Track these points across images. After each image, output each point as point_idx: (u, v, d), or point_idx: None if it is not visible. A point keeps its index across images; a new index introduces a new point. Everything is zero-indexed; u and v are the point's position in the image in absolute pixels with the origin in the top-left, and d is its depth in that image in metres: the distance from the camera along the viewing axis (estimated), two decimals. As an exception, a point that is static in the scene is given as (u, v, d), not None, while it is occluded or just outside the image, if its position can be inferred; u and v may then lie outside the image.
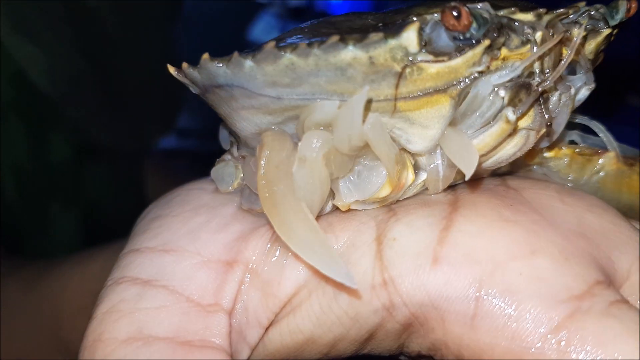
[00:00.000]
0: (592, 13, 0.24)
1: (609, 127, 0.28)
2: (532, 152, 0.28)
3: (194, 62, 0.24)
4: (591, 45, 0.25)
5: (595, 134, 0.29)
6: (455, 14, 0.20)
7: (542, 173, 0.29)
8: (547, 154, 0.28)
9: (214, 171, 0.28)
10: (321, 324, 0.24)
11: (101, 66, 0.69)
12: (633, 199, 0.27)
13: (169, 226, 0.26)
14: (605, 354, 0.20)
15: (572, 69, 0.25)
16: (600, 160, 0.28)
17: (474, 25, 0.21)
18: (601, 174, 0.28)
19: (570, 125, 0.29)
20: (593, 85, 0.26)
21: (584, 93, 0.26)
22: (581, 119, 0.28)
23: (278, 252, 0.24)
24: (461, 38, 0.21)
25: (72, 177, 0.68)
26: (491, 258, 0.22)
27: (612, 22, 0.25)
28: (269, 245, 0.24)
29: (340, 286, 0.23)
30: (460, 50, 0.21)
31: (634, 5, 0.25)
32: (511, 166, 0.28)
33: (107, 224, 0.71)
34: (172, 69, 0.25)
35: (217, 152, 0.29)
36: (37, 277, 0.50)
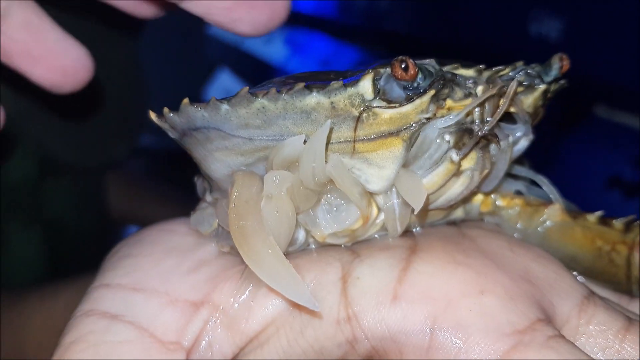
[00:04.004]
0: (528, 71, 0.30)
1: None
2: (487, 201, 0.33)
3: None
4: (529, 100, 0.30)
5: (540, 186, 0.33)
6: (403, 65, 0.26)
7: (495, 223, 0.33)
8: (500, 203, 0.33)
9: (193, 218, 0.32)
10: (287, 358, 0.27)
11: None
12: (576, 250, 0.32)
13: (140, 266, 0.30)
14: None
15: (514, 122, 0.31)
16: (547, 211, 0.32)
17: (420, 75, 0.26)
18: (547, 223, 0.32)
19: (517, 177, 0.34)
20: (531, 137, 0.31)
21: (523, 143, 0.31)
22: (527, 173, 0.33)
23: (247, 292, 0.28)
24: (410, 87, 0.26)
25: (33, 195, 0.71)
26: (445, 296, 0.26)
27: (547, 79, 0.30)
28: (238, 285, 0.28)
29: (306, 321, 0.27)
30: (409, 99, 0.27)
31: (565, 62, 0.30)
32: (466, 215, 0.33)
33: (70, 242, 0.75)
34: (153, 115, 0.29)
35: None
36: (0, 311, 0.52)
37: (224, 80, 1.83)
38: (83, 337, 0.27)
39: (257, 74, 1.60)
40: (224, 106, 0.27)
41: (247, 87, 0.27)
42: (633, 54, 0.74)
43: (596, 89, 0.83)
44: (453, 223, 0.33)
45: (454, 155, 0.27)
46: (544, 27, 0.85)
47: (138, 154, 0.99)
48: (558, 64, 0.30)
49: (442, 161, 0.28)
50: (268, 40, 1.55)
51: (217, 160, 0.29)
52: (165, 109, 0.29)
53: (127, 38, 0.86)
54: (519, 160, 0.34)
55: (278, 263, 0.26)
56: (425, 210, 0.30)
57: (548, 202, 0.33)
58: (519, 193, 0.34)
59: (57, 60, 0.39)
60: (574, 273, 0.32)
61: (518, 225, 0.33)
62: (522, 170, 0.33)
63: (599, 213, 0.32)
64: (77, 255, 0.77)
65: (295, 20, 1.48)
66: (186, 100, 0.28)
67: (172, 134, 0.30)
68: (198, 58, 1.90)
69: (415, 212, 0.27)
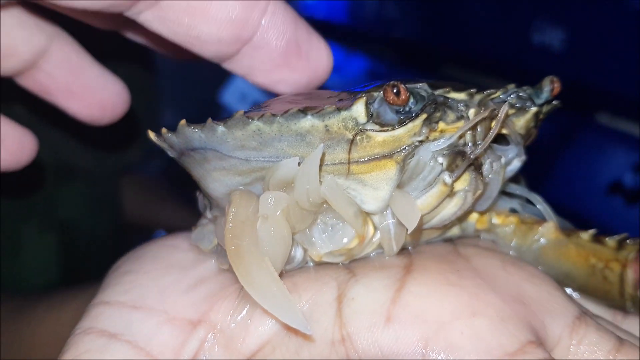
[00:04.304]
0: (519, 94, 0.30)
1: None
2: (482, 219, 0.33)
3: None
4: (520, 122, 0.30)
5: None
6: (394, 90, 0.26)
7: (490, 239, 0.33)
8: (495, 221, 0.33)
9: (194, 235, 0.32)
10: None
11: None
12: (570, 267, 0.32)
13: (140, 283, 0.30)
14: None
15: (507, 143, 0.31)
16: (541, 229, 0.32)
17: (412, 100, 0.26)
18: (542, 241, 0.32)
19: (512, 195, 0.34)
20: (524, 157, 0.31)
21: (515, 164, 0.31)
22: (521, 191, 0.33)
23: (244, 311, 0.28)
24: (402, 111, 0.27)
25: (48, 200, 0.72)
26: (437, 318, 0.26)
27: (538, 101, 0.30)
28: (235, 304, 0.28)
29: (302, 342, 0.27)
30: (402, 122, 0.27)
31: (556, 85, 0.30)
32: (462, 232, 0.33)
33: (85, 246, 0.76)
34: (152, 135, 0.30)
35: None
36: (9, 318, 0.52)
37: (239, 84, 1.83)
38: (80, 355, 0.27)
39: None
40: (220, 128, 0.27)
41: (243, 110, 0.27)
42: (634, 62, 0.74)
43: (598, 97, 0.83)
44: (450, 240, 0.33)
45: (447, 178, 0.27)
46: (547, 37, 0.85)
47: (153, 156, 1.00)
48: (549, 87, 0.30)
49: (435, 183, 0.28)
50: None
51: (215, 180, 0.29)
52: (164, 130, 0.29)
53: (141, 50, 0.87)
54: (515, 178, 0.34)
55: (272, 285, 0.26)
56: (420, 229, 0.30)
57: (542, 220, 0.33)
58: (514, 211, 0.34)
59: (96, 95, 0.39)
60: (568, 290, 0.32)
61: (513, 243, 0.33)
62: (517, 189, 0.33)
63: (592, 231, 0.32)
64: (91, 259, 0.78)
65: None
66: (183, 121, 0.28)
67: (171, 153, 0.30)
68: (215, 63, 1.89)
69: (409, 232, 0.27)
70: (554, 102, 0.31)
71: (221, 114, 1.84)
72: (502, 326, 0.26)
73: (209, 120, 0.27)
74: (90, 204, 0.80)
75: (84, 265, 0.76)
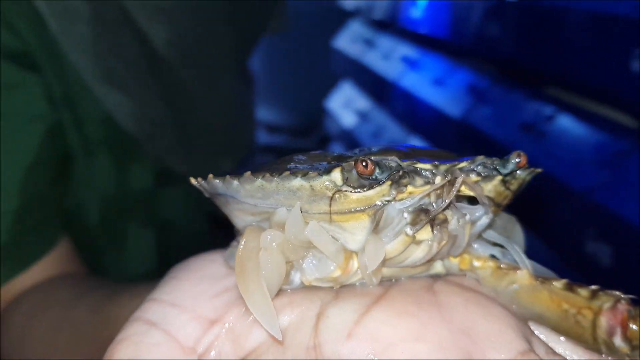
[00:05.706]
0: (486, 165, 0.35)
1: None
2: (465, 260, 0.38)
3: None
4: (488, 187, 0.35)
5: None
6: (363, 164, 0.32)
7: (474, 277, 0.38)
8: (476, 264, 0.38)
9: (226, 253, 0.40)
10: None
11: (179, 111, 0.84)
12: (543, 310, 0.35)
13: (180, 287, 0.38)
14: None
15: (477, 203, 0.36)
16: (515, 276, 0.36)
17: (378, 171, 0.33)
18: (515, 286, 0.36)
19: (493, 243, 0.38)
20: (491, 216, 0.36)
21: (484, 220, 0.36)
22: (500, 240, 0.38)
23: (250, 317, 0.35)
24: (370, 179, 0.33)
25: (150, 201, 0.84)
26: (387, 339, 0.32)
27: (504, 171, 0.35)
28: (244, 311, 0.35)
29: (287, 345, 0.34)
30: (370, 187, 0.33)
31: (522, 158, 0.35)
32: (447, 270, 0.39)
33: (180, 243, 0.87)
34: (192, 180, 0.39)
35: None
36: (102, 302, 0.62)
37: (346, 90, 1.92)
38: (129, 337, 0.35)
39: (375, 86, 1.67)
40: (235, 182, 0.35)
41: (250, 171, 0.35)
42: None
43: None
44: (437, 276, 0.38)
45: (408, 230, 0.33)
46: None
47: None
48: (515, 159, 0.35)
49: (400, 233, 0.34)
50: (386, 57, 1.61)
51: (236, 217, 0.38)
52: (199, 179, 0.38)
53: (239, 64, 0.96)
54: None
55: (262, 300, 0.33)
56: (381, 268, 0.36)
57: (518, 266, 0.37)
58: (494, 257, 0.38)
59: None
60: (539, 329, 0.35)
61: (490, 285, 0.37)
62: (495, 237, 0.38)
63: (564, 280, 0.35)
64: (185, 254, 0.88)
65: (412, 39, 1.52)
66: (211, 175, 0.37)
67: (206, 194, 0.39)
68: (323, 70, 2.01)
69: (369, 271, 0.33)
70: (518, 173, 0.36)
71: (325, 118, 1.93)
72: (440, 352, 0.31)
73: (227, 176, 0.35)
74: (187, 206, 0.91)
75: (179, 259, 0.87)
